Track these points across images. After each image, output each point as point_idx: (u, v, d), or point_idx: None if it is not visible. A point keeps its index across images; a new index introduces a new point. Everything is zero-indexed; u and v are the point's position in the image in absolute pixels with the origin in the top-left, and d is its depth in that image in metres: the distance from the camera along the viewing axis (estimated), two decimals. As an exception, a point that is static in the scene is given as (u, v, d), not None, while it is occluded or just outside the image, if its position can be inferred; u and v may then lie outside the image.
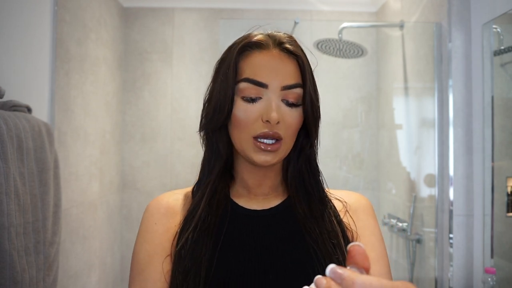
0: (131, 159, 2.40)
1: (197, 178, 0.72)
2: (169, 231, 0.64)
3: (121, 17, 2.35)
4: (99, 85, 2.00)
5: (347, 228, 0.66)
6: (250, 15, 2.42)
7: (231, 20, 2.30)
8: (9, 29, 1.21)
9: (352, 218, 0.67)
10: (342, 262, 0.59)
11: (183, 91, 2.42)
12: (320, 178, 0.69)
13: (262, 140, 0.61)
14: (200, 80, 2.42)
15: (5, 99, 1.11)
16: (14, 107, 1.10)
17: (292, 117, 0.62)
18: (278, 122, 0.60)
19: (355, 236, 0.65)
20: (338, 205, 0.69)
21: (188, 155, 2.41)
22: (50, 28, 1.45)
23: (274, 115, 0.59)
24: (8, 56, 1.21)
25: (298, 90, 0.62)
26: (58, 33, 1.51)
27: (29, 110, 1.17)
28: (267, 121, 0.60)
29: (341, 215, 0.67)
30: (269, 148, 0.61)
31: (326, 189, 0.71)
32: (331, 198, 0.69)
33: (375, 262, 0.63)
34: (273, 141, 0.61)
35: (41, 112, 1.38)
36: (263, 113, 0.61)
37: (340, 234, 0.63)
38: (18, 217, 0.99)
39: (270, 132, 0.60)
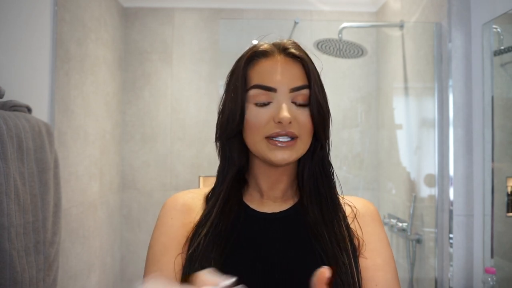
0: (131, 159, 2.40)
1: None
2: (185, 226, 0.66)
3: (121, 17, 2.35)
4: (99, 85, 2.00)
5: (353, 234, 0.67)
6: (250, 15, 2.42)
7: (231, 20, 2.30)
8: (9, 29, 1.21)
9: (359, 223, 0.68)
10: (347, 266, 0.61)
11: (183, 91, 2.42)
12: (333, 181, 0.70)
13: (276, 139, 0.63)
14: (200, 80, 2.42)
15: (5, 99, 1.11)
16: (14, 107, 1.10)
17: (304, 116, 0.64)
18: (290, 122, 0.62)
19: (360, 242, 0.66)
20: (347, 210, 0.70)
21: (188, 155, 2.41)
22: (50, 28, 1.45)
23: (285, 115, 0.61)
24: (8, 56, 1.21)
25: (306, 92, 0.65)
26: (58, 33, 1.51)
27: (29, 110, 1.17)
28: (279, 122, 0.62)
29: (349, 220, 0.68)
30: (284, 145, 0.62)
31: (340, 195, 0.71)
32: (342, 203, 0.70)
33: (381, 268, 0.64)
34: (288, 139, 0.63)
35: (41, 112, 1.38)
36: (274, 115, 0.63)
37: (347, 238, 0.65)
38: (18, 217, 0.99)
39: (283, 132, 0.62)
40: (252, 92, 0.64)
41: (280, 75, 0.64)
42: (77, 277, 1.73)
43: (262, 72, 0.65)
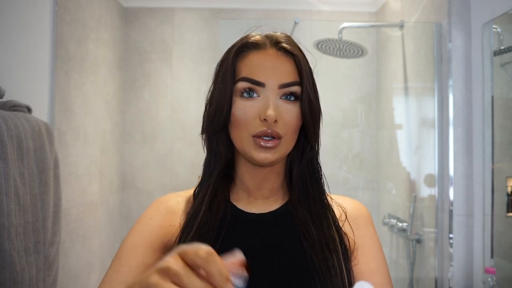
0: (131, 159, 2.40)
1: (197, 178, 0.72)
2: (162, 228, 0.65)
3: (121, 17, 2.35)
4: (99, 85, 2.00)
5: (345, 236, 0.66)
6: (250, 15, 2.42)
7: (231, 20, 2.30)
8: (9, 29, 1.21)
9: (351, 226, 0.67)
10: (337, 268, 0.60)
11: (183, 91, 2.42)
12: (322, 181, 0.69)
13: (262, 137, 0.61)
14: (200, 80, 2.42)
15: (5, 99, 1.11)
16: (14, 107, 1.10)
17: (291, 114, 0.62)
18: (276, 121, 0.60)
19: (352, 244, 0.65)
20: (337, 212, 0.69)
21: (188, 155, 2.41)
22: (50, 28, 1.45)
23: (271, 113, 0.60)
24: (8, 56, 1.21)
25: (296, 88, 0.63)
26: (58, 33, 1.51)
27: (29, 110, 1.17)
28: (265, 119, 0.60)
29: (341, 222, 0.67)
30: (268, 145, 0.61)
31: (328, 194, 0.70)
32: (331, 203, 0.69)
33: (376, 272, 0.64)
34: (272, 138, 0.61)
35: (41, 112, 1.38)
36: (261, 112, 0.61)
37: (337, 240, 0.63)
38: (18, 217, 0.99)
39: (269, 131, 0.61)
40: (240, 85, 0.63)
41: (270, 69, 0.62)
42: (77, 277, 1.73)
43: (251, 65, 0.63)
